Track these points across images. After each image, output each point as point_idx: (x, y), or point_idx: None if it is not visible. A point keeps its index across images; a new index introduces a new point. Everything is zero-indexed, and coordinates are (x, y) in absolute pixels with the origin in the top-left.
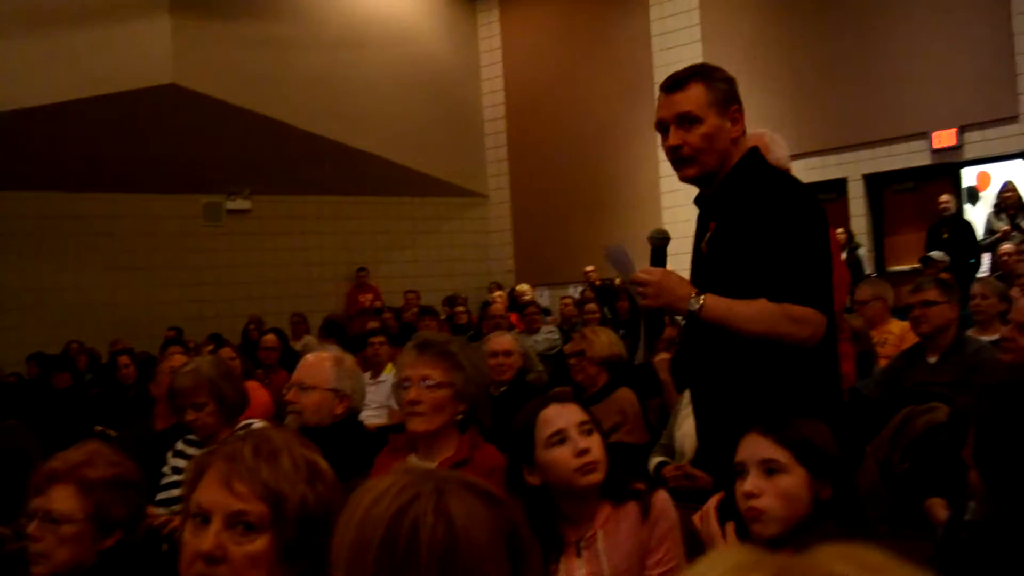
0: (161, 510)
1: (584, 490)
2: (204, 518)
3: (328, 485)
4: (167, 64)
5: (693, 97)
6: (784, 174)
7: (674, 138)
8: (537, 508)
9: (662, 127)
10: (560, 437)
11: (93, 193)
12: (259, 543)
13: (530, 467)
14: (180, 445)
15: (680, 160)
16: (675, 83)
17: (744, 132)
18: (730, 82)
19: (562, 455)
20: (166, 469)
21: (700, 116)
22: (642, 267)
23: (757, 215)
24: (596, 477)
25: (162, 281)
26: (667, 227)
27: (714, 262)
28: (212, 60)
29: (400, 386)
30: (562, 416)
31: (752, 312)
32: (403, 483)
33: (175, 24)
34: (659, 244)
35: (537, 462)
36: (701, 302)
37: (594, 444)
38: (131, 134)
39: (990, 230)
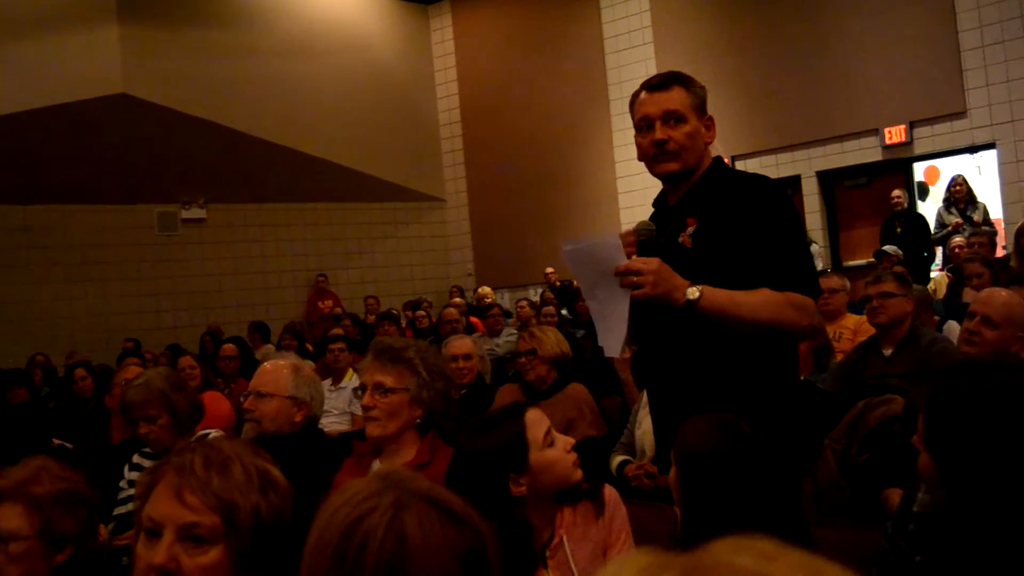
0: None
1: (569, 488)
2: (156, 531)
3: (281, 493)
4: (117, 74)
5: (677, 98)
6: (759, 174)
7: (661, 132)
8: (518, 524)
9: (646, 122)
10: (551, 438)
11: (45, 205)
12: (212, 554)
13: (519, 476)
14: (137, 458)
15: (664, 155)
16: (660, 83)
17: (713, 141)
18: (704, 91)
19: (558, 453)
20: (123, 483)
21: (685, 115)
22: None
23: (748, 210)
24: (581, 473)
25: (119, 292)
26: (624, 228)
27: (701, 255)
28: (163, 69)
29: (357, 392)
30: (544, 419)
31: (758, 301)
32: (366, 493)
33: (124, 33)
34: (648, 236)
35: (533, 466)
36: (699, 292)
37: None
38: (82, 145)
39: (941, 224)
